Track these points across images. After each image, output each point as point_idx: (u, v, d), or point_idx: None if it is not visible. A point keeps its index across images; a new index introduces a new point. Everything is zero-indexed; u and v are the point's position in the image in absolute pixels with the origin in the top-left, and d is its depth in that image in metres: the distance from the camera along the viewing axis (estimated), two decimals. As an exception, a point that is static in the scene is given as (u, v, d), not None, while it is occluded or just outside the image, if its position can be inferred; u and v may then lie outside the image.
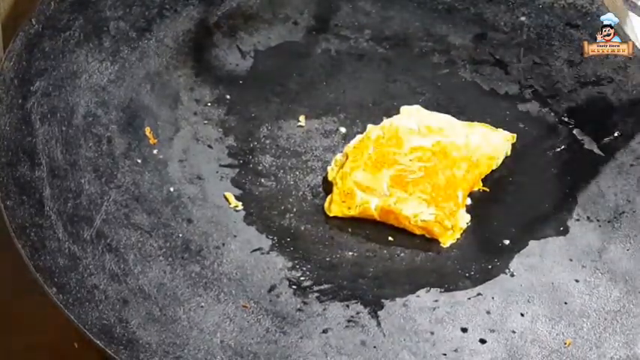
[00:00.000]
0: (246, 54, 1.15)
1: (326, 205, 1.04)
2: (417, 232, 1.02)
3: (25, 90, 1.04)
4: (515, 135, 1.09)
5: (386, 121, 1.08)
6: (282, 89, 1.13)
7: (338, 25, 1.18)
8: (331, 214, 1.03)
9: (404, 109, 1.09)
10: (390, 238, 1.03)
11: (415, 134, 1.06)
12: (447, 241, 1.02)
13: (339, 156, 1.07)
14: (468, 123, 1.09)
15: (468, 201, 1.05)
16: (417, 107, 1.10)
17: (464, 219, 1.03)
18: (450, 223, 1.02)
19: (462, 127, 1.08)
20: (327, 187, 1.05)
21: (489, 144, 1.07)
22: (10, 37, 1.07)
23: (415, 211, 1.02)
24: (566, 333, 0.95)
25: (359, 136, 1.07)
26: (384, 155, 1.05)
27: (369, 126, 1.08)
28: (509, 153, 1.08)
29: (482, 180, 1.07)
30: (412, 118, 1.08)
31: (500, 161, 1.08)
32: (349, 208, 1.03)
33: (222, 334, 0.92)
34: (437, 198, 1.02)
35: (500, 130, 1.09)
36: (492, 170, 1.07)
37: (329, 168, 1.06)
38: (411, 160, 1.04)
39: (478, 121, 1.10)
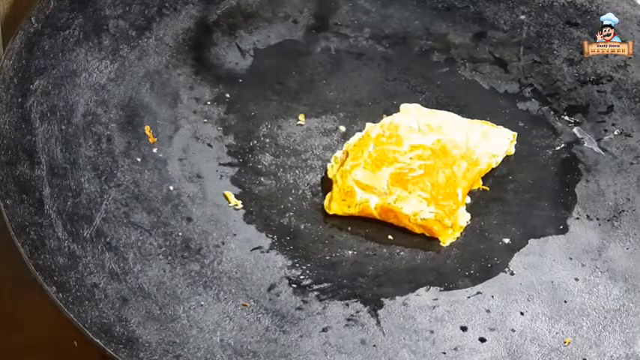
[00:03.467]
0: (246, 52, 1.15)
1: (325, 203, 1.04)
2: (417, 230, 1.02)
3: (25, 89, 1.04)
4: (515, 133, 1.09)
5: (386, 120, 1.08)
6: (282, 88, 1.13)
7: (337, 23, 1.18)
8: (331, 212, 1.03)
9: (404, 107, 1.09)
10: (389, 237, 1.03)
11: (415, 132, 1.06)
12: (446, 239, 1.02)
13: (338, 153, 1.07)
14: (468, 120, 1.09)
15: (468, 199, 1.05)
16: (416, 105, 1.10)
17: (464, 217, 1.03)
18: (449, 221, 1.02)
19: (463, 124, 1.08)
20: (327, 185, 1.05)
21: (490, 142, 1.07)
22: (10, 36, 1.07)
23: (415, 209, 1.02)
24: (565, 331, 0.95)
25: (359, 134, 1.07)
26: (384, 153, 1.04)
27: (368, 124, 1.08)
28: (511, 152, 1.08)
29: (482, 178, 1.07)
30: (412, 116, 1.08)
31: (500, 159, 1.08)
32: (349, 206, 1.03)
33: (222, 333, 0.92)
34: (437, 196, 1.02)
35: (501, 127, 1.09)
36: (492, 169, 1.07)
37: (329, 165, 1.06)
38: (411, 159, 1.04)
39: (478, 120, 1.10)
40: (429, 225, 1.01)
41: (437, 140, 1.06)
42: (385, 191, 1.03)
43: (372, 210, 1.02)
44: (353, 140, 1.07)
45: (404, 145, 1.05)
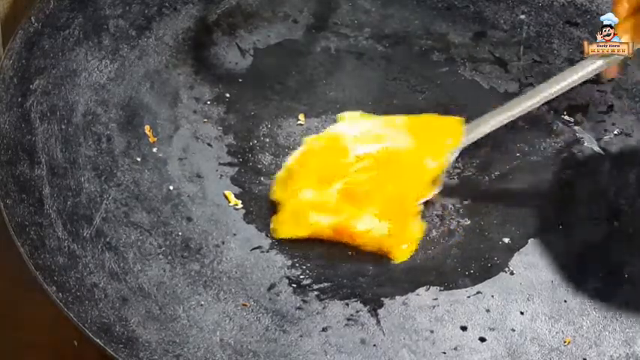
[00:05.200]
0: (246, 52, 1.15)
1: (272, 226, 1.00)
2: (371, 248, 0.99)
3: (25, 88, 1.04)
4: (463, 118, 1.06)
5: (327, 130, 1.06)
6: (282, 87, 1.13)
7: (337, 23, 1.18)
8: (279, 237, 0.99)
9: (343, 115, 1.08)
10: (389, 237, 1.03)
11: (358, 142, 1.04)
12: (400, 256, 0.99)
13: (279, 174, 1.04)
14: (410, 117, 1.06)
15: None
16: (358, 113, 1.08)
17: (418, 229, 1.00)
18: (403, 236, 0.99)
19: (405, 125, 1.05)
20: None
21: (437, 135, 1.04)
22: (10, 36, 1.07)
23: (367, 226, 0.99)
24: (565, 331, 0.95)
25: (298, 150, 1.05)
26: (330, 168, 1.01)
27: (306, 138, 1.06)
28: (460, 136, 1.04)
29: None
30: (353, 124, 1.06)
31: (454, 152, 1.04)
32: (300, 228, 0.99)
33: (222, 333, 0.92)
34: (388, 210, 0.99)
35: (449, 117, 1.07)
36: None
37: (271, 187, 1.03)
38: (357, 172, 1.01)
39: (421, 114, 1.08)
40: (382, 242, 0.98)
41: (382, 149, 1.03)
42: (336, 209, 0.99)
43: (326, 230, 0.99)
44: (292, 158, 1.04)
45: (349, 156, 1.02)
